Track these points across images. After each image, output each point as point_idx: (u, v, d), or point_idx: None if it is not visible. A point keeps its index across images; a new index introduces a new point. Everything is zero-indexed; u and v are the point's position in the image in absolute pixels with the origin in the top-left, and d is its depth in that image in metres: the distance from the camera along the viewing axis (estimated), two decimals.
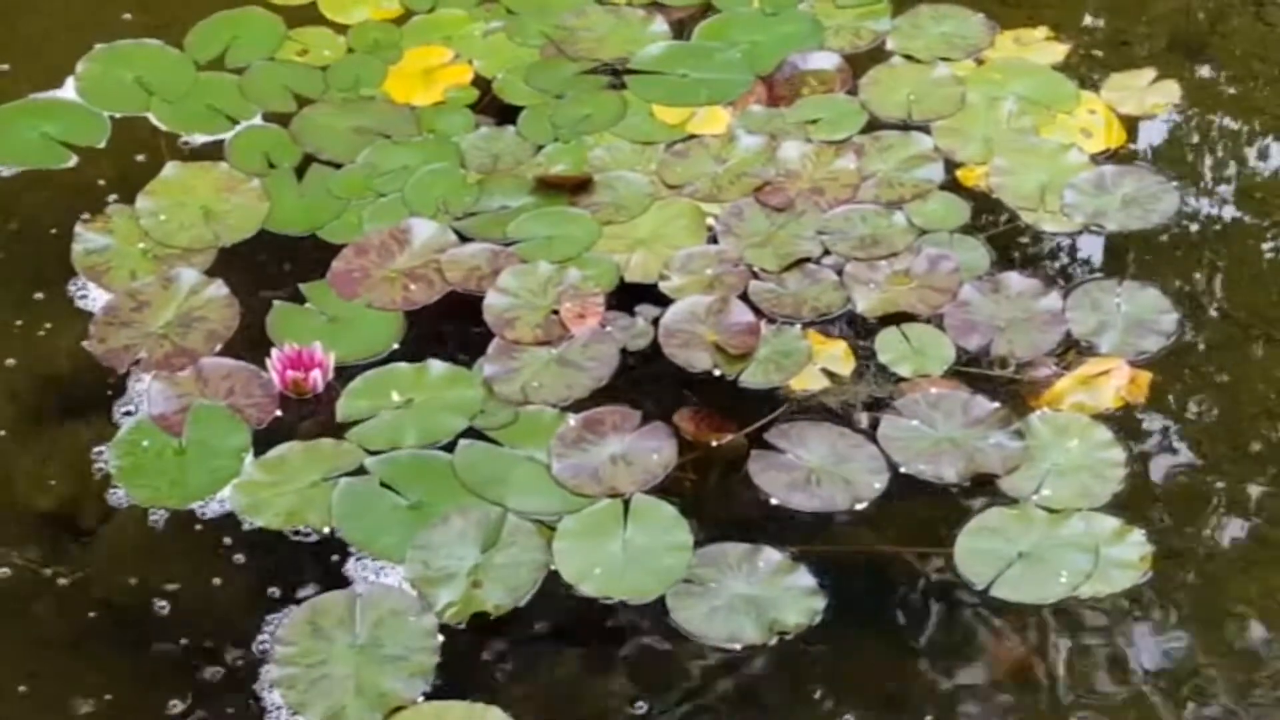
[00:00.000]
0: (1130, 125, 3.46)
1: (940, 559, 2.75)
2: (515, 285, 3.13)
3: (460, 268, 3.18)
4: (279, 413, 2.95)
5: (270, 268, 3.22)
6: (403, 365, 3.02)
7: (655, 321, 3.09)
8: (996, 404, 2.93)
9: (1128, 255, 3.23)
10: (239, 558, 2.77)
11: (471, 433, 2.91)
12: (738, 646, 2.65)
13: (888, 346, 3.04)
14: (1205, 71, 3.62)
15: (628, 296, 3.14)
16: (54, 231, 3.26)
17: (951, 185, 3.33)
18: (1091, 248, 3.25)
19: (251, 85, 3.55)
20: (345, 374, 3.00)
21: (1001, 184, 3.32)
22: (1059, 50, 3.60)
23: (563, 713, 2.61)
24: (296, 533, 2.79)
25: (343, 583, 2.71)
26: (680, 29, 3.67)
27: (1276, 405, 2.98)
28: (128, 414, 2.95)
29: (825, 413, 2.94)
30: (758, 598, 2.69)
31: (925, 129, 3.43)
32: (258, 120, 3.49)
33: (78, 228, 3.25)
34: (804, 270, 3.17)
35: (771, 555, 2.74)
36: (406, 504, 2.81)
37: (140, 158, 3.40)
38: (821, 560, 2.74)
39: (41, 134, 3.45)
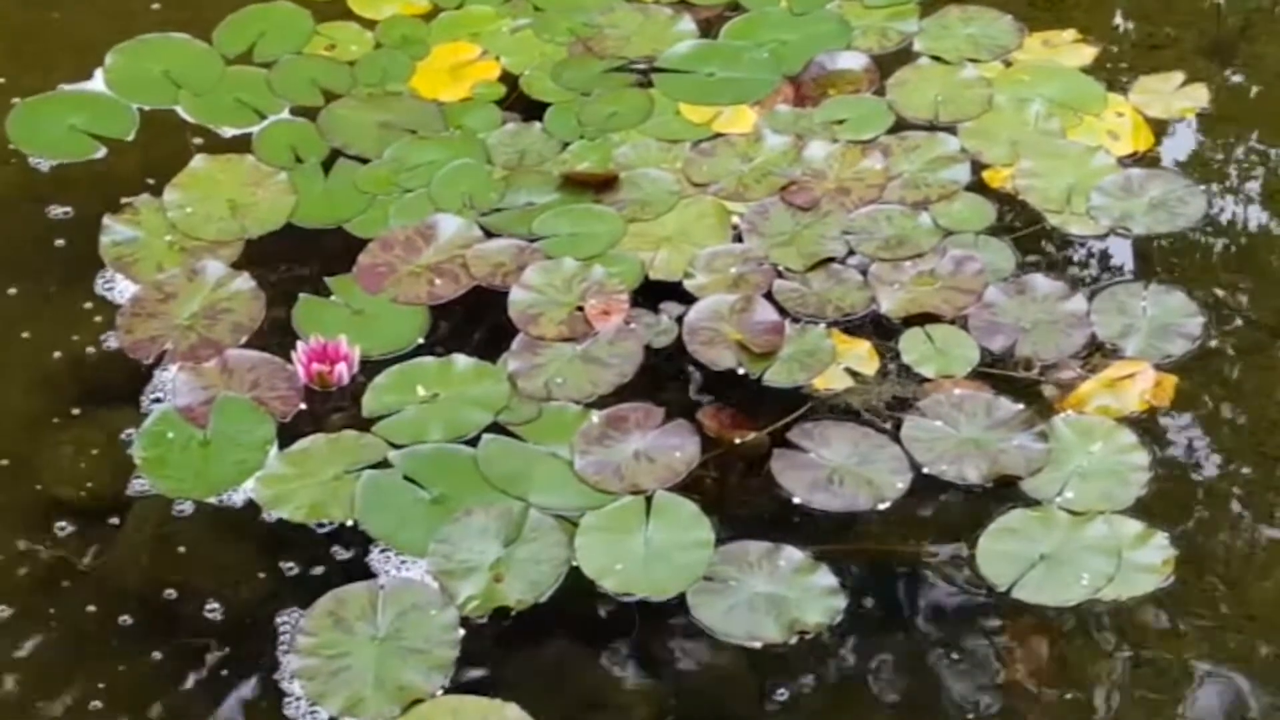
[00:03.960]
0: (1158, 128, 3.45)
1: (962, 560, 2.75)
2: (540, 281, 3.14)
3: (485, 263, 3.19)
4: (303, 405, 2.96)
5: (296, 261, 3.23)
6: (428, 360, 3.02)
7: (679, 319, 3.09)
8: (1020, 406, 2.93)
9: (1154, 258, 3.22)
10: (262, 550, 2.78)
11: (496, 428, 2.92)
12: (758, 645, 2.66)
13: (912, 347, 3.04)
14: (1234, 75, 3.61)
15: (652, 294, 3.14)
16: (82, 223, 3.27)
17: (978, 187, 3.33)
18: (1118, 251, 3.24)
19: (279, 79, 3.56)
20: (370, 368, 3.01)
21: (1028, 186, 3.32)
22: (1087, 53, 3.60)
23: (580, 709, 2.61)
24: (320, 525, 2.79)
25: (365, 575, 2.72)
26: (708, 28, 3.67)
27: None
28: (153, 404, 2.96)
29: (848, 412, 2.94)
30: (778, 596, 2.69)
31: (952, 130, 3.42)
32: (285, 114, 3.50)
33: (106, 219, 3.26)
34: (829, 270, 3.17)
35: (793, 554, 2.74)
36: (429, 498, 2.82)
37: (168, 151, 3.41)
38: (843, 560, 2.74)
39: (70, 126, 3.46)
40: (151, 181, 3.34)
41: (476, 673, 2.62)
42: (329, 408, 2.96)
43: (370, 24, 3.69)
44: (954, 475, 2.85)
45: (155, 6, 3.73)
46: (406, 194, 3.33)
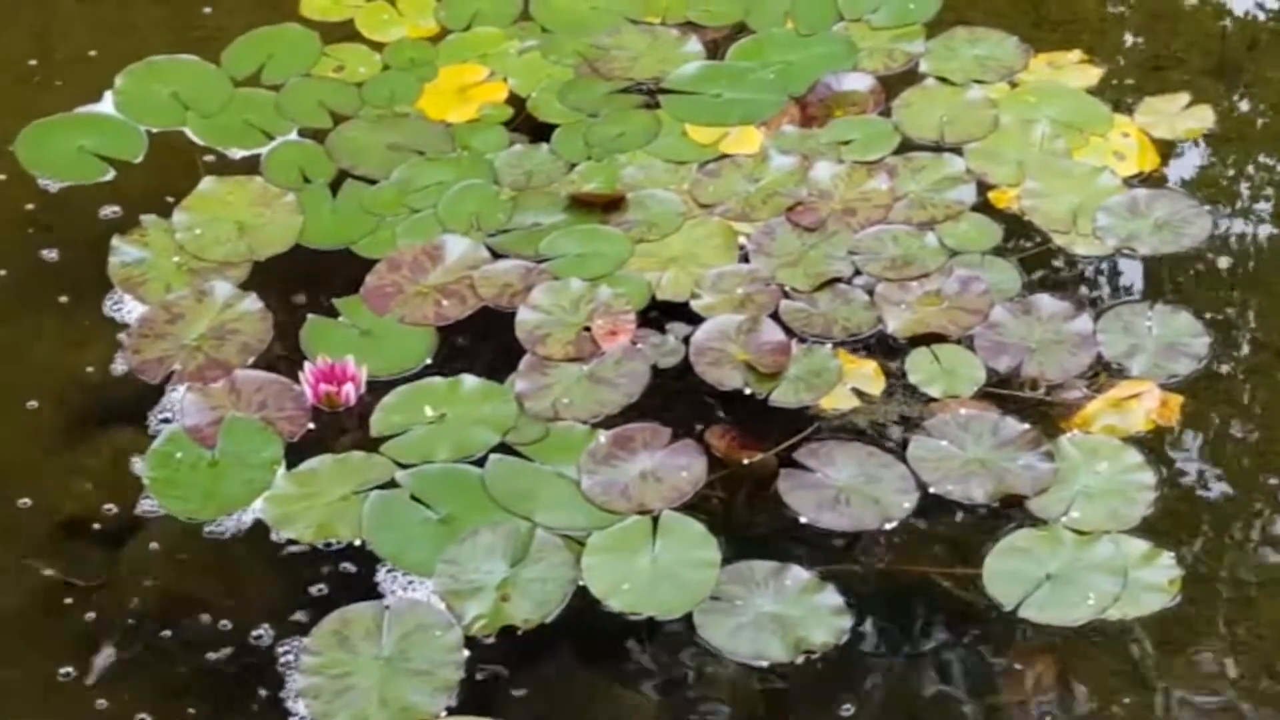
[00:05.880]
0: (1163, 149, 3.45)
1: (968, 579, 2.75)
2: (547, 302, 3.14)
3: (493, 284, 3.19)
4: (311, 426, 2.97)
5: (304, 282, 3.24)
6: (437, 380, 3.03)
7: (686, 339, 3.10)
8: (1026, 425, 2.93)
9: (1160, 279, 3.22)
10: (269, 569, 2.78)
11: (503, 448, 2.92)
12: (764, 664, 2.66)
13: (918, 367, 3.04)
14: (1239, 96, 3.61)
15: (659, 314, 3.15)
16: (91, 244, 3.28)
17: (983, 207, 3.33)
18: (1124, 271, 3.25)
19: (287, 101, 3.57)
20: (377, 388, 3.01)
21: (1034, 206, 3.32)
22: (1092, 74, 3.60)
23: None
24: (327, 545, 2.80)
25: (372, 595, 2.72)
26: (714, 49, 3.68)
27: None
28: (162, 424, 2.97)
29: (855, 432, 2.95)
30: (784, 616, 2.69)
31: (958, 151, 3.43)
32: (293, 136, 3.51)
33: (114, 240, 3.27)
34: (835, 290, 3.18)
35: (799, 574, 2.74)
36: (436, 518, 2.83)
37: (176, 172, 3.43)
38: (849, 579, 2.74)
39: (79, 148, 3.47)
40: (166, 201, 3.35)
41: (481, 693, 2.62)
42: (336, 428, 2.97)
43: (378, 46, 3.70)
44: (960, 495, 2.85)
45: (164, 32, 3.74)
46: (414, 215, 3.33)
